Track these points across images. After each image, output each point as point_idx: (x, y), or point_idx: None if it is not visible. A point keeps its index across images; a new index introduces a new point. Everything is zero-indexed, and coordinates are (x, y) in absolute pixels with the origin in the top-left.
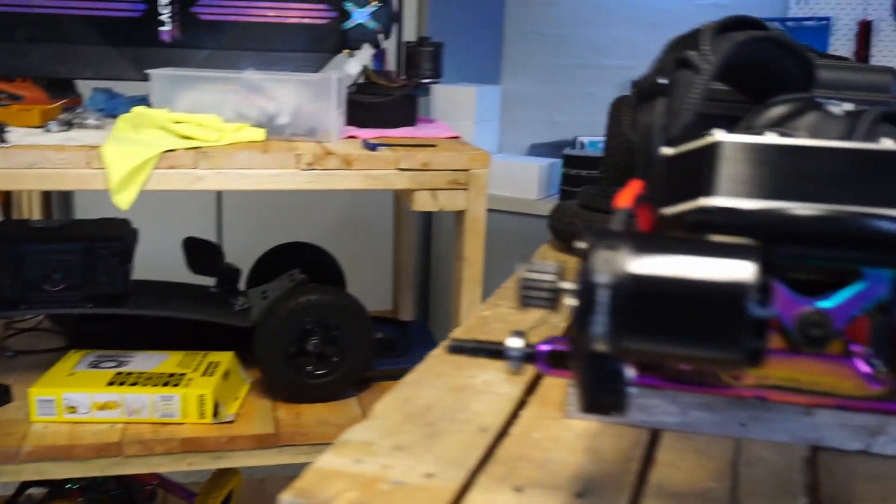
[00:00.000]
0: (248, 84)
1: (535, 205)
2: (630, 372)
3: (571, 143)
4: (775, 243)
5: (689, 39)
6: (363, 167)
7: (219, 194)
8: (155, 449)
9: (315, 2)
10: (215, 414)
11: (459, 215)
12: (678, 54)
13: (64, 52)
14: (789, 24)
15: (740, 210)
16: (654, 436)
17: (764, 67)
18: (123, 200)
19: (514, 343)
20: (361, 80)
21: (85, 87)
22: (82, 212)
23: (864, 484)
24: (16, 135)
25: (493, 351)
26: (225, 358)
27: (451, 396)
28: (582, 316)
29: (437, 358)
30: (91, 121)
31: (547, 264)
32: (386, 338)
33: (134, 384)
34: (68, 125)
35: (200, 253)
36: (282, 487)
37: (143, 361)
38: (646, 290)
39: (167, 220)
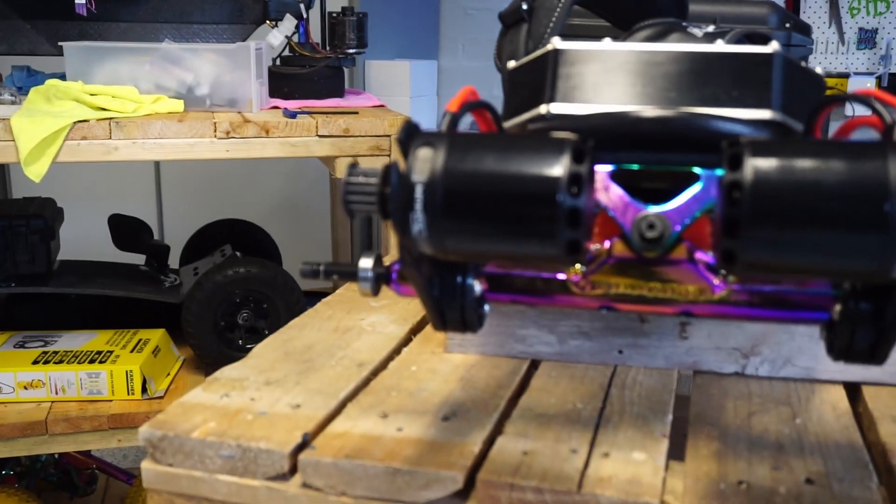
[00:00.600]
0: (165, 55)
1: None
2: (478, 287)
3: None
4: (615, 147)
5: None
6: (282, 135)
7: (157, 173)
8: (82, 426)
9: None
10: (144, 390)
11: None
12: None
13: None
14: None
15: (578, 115)
16: (533, 366)
17: None
18: (35, 173)
19: (366, 263)
20: (286, 53)
21: (6, 66)
22: (20, 193)
23: (734, 401)
24: None
25: (346, 272)
26: (155, 335)
27: (335, 336)
28: (400, 215)
29: (328, 303)
30: (6, 97)
31: (371, 168)
32: None
33: (59, 362)
34: None
35: (127, 230)
36: None
37: (71, 340)
38: (460, 185)
39: (107, 198)
